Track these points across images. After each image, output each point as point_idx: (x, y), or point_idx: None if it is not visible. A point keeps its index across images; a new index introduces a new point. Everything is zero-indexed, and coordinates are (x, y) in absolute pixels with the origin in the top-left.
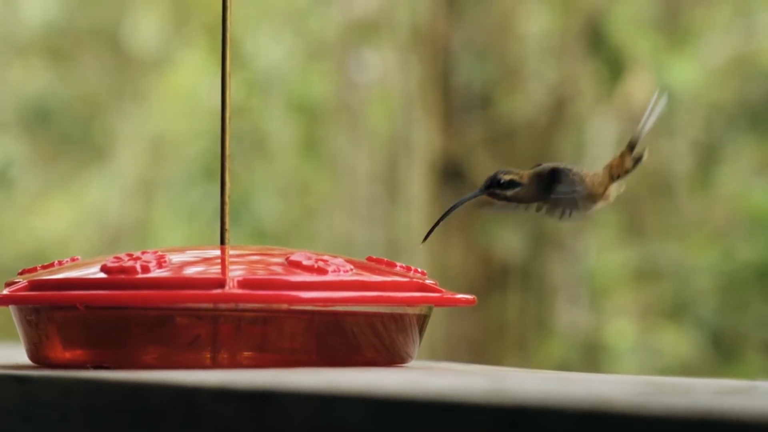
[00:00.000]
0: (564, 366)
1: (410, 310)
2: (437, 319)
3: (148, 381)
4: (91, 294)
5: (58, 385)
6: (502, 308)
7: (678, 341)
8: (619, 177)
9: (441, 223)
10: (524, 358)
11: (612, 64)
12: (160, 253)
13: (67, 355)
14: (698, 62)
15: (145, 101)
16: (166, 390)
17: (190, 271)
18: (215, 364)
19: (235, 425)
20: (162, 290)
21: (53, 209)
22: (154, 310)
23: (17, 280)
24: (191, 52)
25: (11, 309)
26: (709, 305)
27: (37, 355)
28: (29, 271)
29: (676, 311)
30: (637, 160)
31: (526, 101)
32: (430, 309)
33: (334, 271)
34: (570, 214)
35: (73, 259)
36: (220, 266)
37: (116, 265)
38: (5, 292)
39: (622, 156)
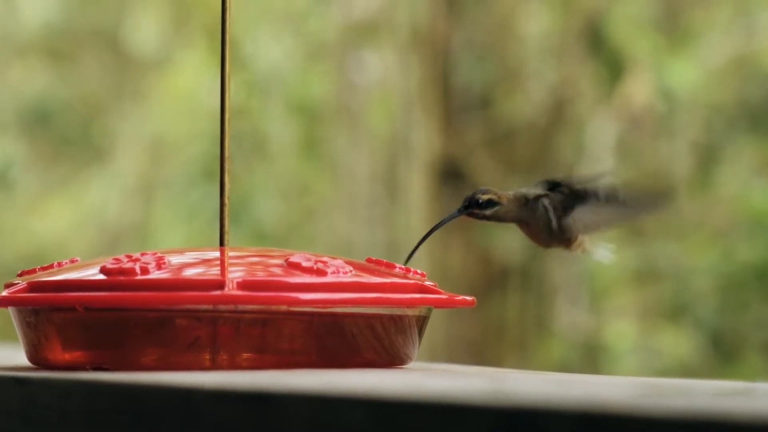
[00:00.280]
0: (564, 367)
1: (410, 312)
2: (437, 320)
3: (147, 382)
4: (90, 296)
5: (58, 386)
6: (502, 309)
7: (678, 342)
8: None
9: (436, 228)
10: (524, 359)
11: (612, 65)
12: (159, 254)
13: (67, 356)
14: (698, 63)
15: (145, 102)
16: (165, 391)
17: (190, 273)
18: (214, 366)
19: (235, 427)
20: (161, 292)
21: (53, 210)
22: (153, 312)
23: (16, 282)
24: (191, 53)
25: (10, 311)
26: (709, 306)
27: (37, 357)
28: (28, 272)
29: (675, 312)
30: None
31: (526, 102)
32: (430, 310)
33: (334, 272)
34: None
35: (72, 261)
36: (219, 268)
37: (115, 266)
38: (4, 293)
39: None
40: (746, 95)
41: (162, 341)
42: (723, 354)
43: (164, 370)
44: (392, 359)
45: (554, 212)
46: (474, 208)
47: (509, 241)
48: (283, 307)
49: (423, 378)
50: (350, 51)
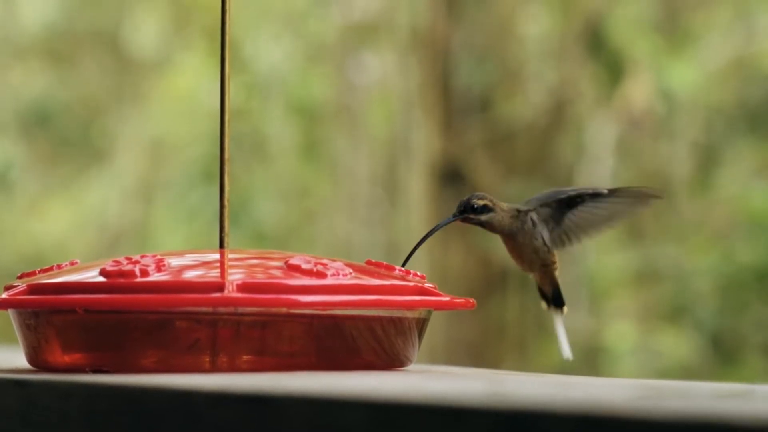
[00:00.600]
0: (564, 368)
1: (409, 314)
2: (437, 322)
3: (147, 385)
4: (90, 298)
5: (58, 388)
6: (502, 311)
7: (678, 343)
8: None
9: (432, 232)
10: (524, 361)
11: (612, 66)
12: (159, 256)
13: (67, 358)
14: (698, 64)
15: (145, 104)
16: (165, 394)
17: (190, 275)
18: (214, 368)
19: (235, 429)
20: (161, 294)
21: (53, 212)
22: (153, 314)
23: (16, 284)
24: (191, 54)
25: (10, 313)
26: (709, 307)
27: (37, 359)
28: (28, 274)
29: (675, 313)
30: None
31: (526, 103)
32: (430, 312)
33: (334, 274)
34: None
35: (72, 263)
36: (219, 270)
37: (115, 268)
38: (4, 296)
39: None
40: (746, 96)
41: (162, 343)
42: (723, 355)
43: (164, 373)
44: (392, 361)
45: (545, 224)
46: (469, 212)
47: None
48: (283, 310)
49: (423, 380)
50: (350, 52)
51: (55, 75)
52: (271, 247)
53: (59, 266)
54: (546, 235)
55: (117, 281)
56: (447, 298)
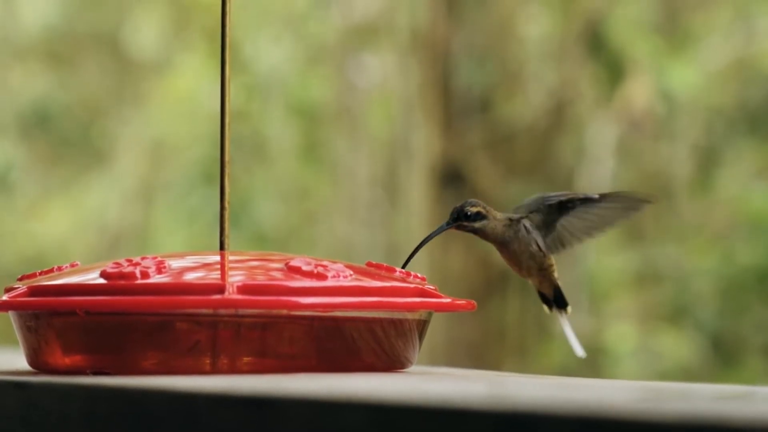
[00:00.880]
0: (564, 370)
1: (410, 316)
2: (437, 324)
3: (147, 387)
4: (90, 300)
5: (58, 390)
6: (502, 312)
7: (678, 345)
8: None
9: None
10: (524, 363)
11: (612, 67)
12: (159, 258)
13: (67, 360)
14: (698, 65)
15: (145, 105)
16: (165, 396)
17: (190, 277)
18: (215, 370)
19: (235, 431)
20: (161, 296)
21: (53, 213)
22: (153, 316)
23: (17, 286)
24: (191, 56)
25: (11, 315)
26: (710, 309)
27: (37, 361)
28: (29, 276)
29: (676, 315)
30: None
31: (526, 104)
32: (430, 314)
33: (334, 276)
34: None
35: (72, 265)
36: (219, 272)
37: (116, 270)
38: (5, 297)
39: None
40: (746, 98)
41: (162, 345)
42: (723, 357)
43: (164, 374)
44: (393, 363)
45: (537, 231)
46: (462, 220)
47: None
48: (284, 311)
49: (423, 382)
50: (350, 54)
51: (56, 76)
52: (271, 249)
53: (60, 268)
54: (540, 241)
55: (117, 283)
56: (448, 300)
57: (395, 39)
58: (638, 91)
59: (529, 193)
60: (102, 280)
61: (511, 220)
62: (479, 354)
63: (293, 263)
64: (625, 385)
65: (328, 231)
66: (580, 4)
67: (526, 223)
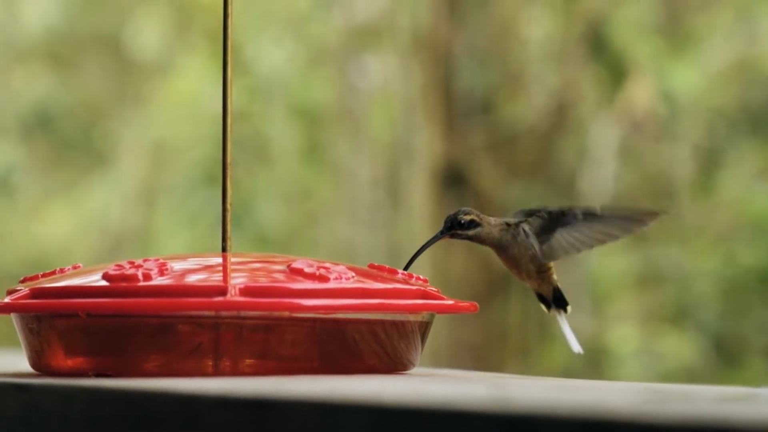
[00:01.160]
0: (567, 371)
1: (412, 318)
2: (439, 325)
3: (149, 389)
4: (92, 302)
5: (60, 393)
6: (504, 314)
7: (680, 346)
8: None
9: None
10: (527, 364)
11: (613, 69)
12: (161, 260)
13: (69, 363)
14: (700, 67)
15: (147, 107)
16: (167, 398)
17: (192, 279)
18: (217, 372)
19: None
20: (164, 298)
21: (55, 215)
22: (155, 318)
23: (19, 288)
24: (193, 57)
25: (13, 317)
26: (712, 310)
27: (39, 363)
28: (31, 278)
29: (678, 316)
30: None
31: (528, 106)
32: (432, 316)
33: (336, 278)
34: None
35: (74, 267)
36: (221, 274)
37: (118, 272)
38: (7, 300)
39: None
40: (748, 99)
41: (164, 347)
42: (726, 358)
43: (167, 377)
44: (395, 365)
45: (536, 237)
46: (456, 228)
47: None
48: (286, 313)
49: (425, 384)
50: (352, 55)
51: (58, 78)
52: (273, 250)
53: (62, 270)
54: (537, 246)
55: (120, 285)
56: (450, 302)
57: (397, 40)
58: (640, 93)
59: (531, 195)
60: (104, 282)
61: (508, 224)
62: (481, 356)
63: (295, 265)
64: (628, 386)
65: (329, 232)
66: (582, 5)
67: (525, 227)
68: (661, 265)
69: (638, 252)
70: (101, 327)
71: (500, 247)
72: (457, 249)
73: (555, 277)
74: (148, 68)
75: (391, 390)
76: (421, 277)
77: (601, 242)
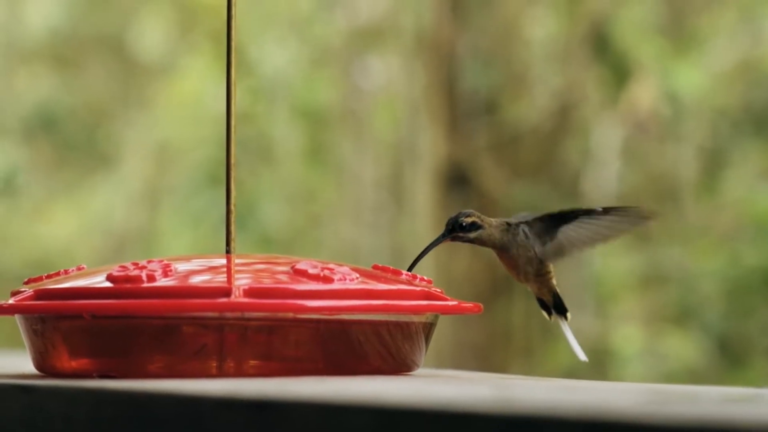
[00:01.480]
0: (570, 372)
1: (416, 319)
2: (443, 326)
3: (153, 390)
4: (96, 303)
5: (64, 394)
6: (508, 315)
7: (684, 347)
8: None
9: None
10: (530, 365)
11: (617, 69)
12: (165, 261)
13: (73, 364)
14: (703, 67)
15: (151, 108)
16: (171, 399)
17: (196, 280)
18: (221, 373)
19: None
20: (168, 299)
21: (58, 217)
22: (159, 319)
23: (23, 290)
24: (196, 58)
25: (17, 318)
26: (716, 310)
27: (43, 365)
28: (35, 280)
29: (682, 317)
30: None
31: (532, 107)
32: (437, 317)
33: (340, 279)
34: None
35: (79, 268)
36: (225, 275)
37: (122, 274)
38: (11, 301)
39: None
40: (751, 99)
41: (168, 349)
42: (730, 358)
43: (171, 378)
44: (399, 366)
45: (536, 238)
46: (458, 231)
47: None
48: (290, 315)
49: (429, 385)
50: (355, 56)
51: (61, 79)
52: (276, 251)
53: (66, 271)
54: (538, 248)
55: (124, 286)
56: (454, 303)
57: (400, 41)
58: (643, 93)
59: (535, 195)
60: (108, 284)
61: (509, 224)
62: (485, 356)
63: (299, 266)
64: (632, 387)
65: (333, 233)
66: (585, 6)
67: (525, 228)
68: (664, 265)
69: (642, 252)
70: (105, 328)
71: (501, 248)
72: (461, 250)
73: (554, 282)
74: (151, 69)
75: (396, 391)
76: (425, 278)
77: (602, 241)
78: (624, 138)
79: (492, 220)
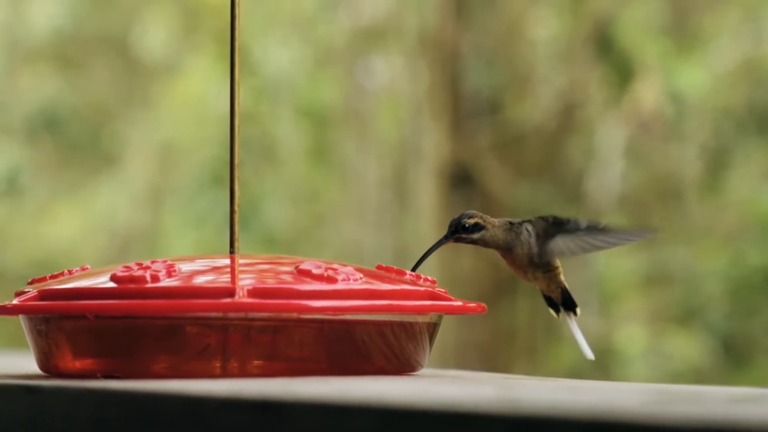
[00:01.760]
0: (574, 372)
1: (420, 319)
2: (447, 326)
3: (157, 390)
4: (100, 304)
5: (68, 394)
6: (512, 315)
7: (688, 346)
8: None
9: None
10: (534, 364)
11: (621, 69)
12: (169, 262)
13: (77, 364)
14: (707, 67)
15: (154, 108)
16: (175, 399)
17: (200, 281)
18: (225, 373)
19: None
20: (172, 299)
21: (62, 216)
22: (163, 320)
23: (27, 290)
24: (200, 58)
25: (21, 318)
26: (720, 310)
27: (47, 365)
28: (39, 280)
29: (686, 316)
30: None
31: (535, 106)
32: (441, 317)
33: (344, 279)
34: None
35: (83, 269)
36: (229, 275)
37: (126, 274)
38: (15, 301)
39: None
40: (755, 99)
41: (172, 349)
42: (734, 358)
43: (175, 378)
44: (403, 366)
45: (537, 238)
46: (461, 232)
47: None
48: (294, 315)
49: (433, 385)
50: (359, 56)
51: (65, 79)
52: (280, 251)
53: (70, 272)
54: (536, 247)
55: (128, 287)
56: (458, 303)
57: (404, 41)
58: (647, 93)
59: (538, 195)
60: (112, 284)
61: (511, 223)
62: (489, 356)
63: (303, 266)
64: (636, 387)
65: (337, 233)
66: (589, 5)
67: (528, 226)
68: (668, 265)
69: (646, 252)
70: (109, 328)
71: (505, 248)
72: (465, 250)
73: (562, 277)
74: (155, 69)
75: (400, 391)
76: (429, 278)
77: (599, 249)
78: (627, 138)
79: (495, 220)
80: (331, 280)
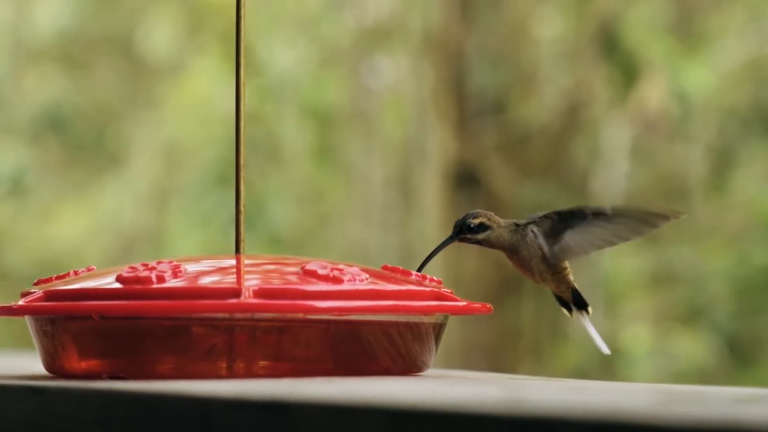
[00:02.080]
0: (579, 371)
1: (426, 319)
2: (453, 326)
3: (163, 391)
4: (106, 304)
5: (74, 395)
6: (518, 315)
7: (694, 346)
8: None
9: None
10: (540, 365)
11: (626, 68)
12: (175, 262)
13: (83, 365)
14: (712, 67)
15: (159, 108)
16: (181, 400)
17: (206, 281)
18: (231, 374)
19: None
20: (177, 300)
21: (67, 217)
22: (169, 320)
23: (33, 290)
24: (205, 59)
25: (27, 319)
26: (725, 310)
27: (53, 366)
28: (45, 281)
29: (691, 316)
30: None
31: (540, 106)
32: (446, 317)
33: (350, 280)
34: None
35: (88, 269)
36: (235, 276)
37: (132, 275)
38: (21, 302)
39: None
40: (760, 98)
41: (178, 350)
42: (739, 358)
43: (180, 379)
44: (409, 367)
45: (545, 237)
46: (466, 232)
47: None
48: (300, 315)
49: (439, 386)
50: (364, 56)
51: (70, 80)
52: (285, 252)
53: (76, 273)
54: (546, 248)
55: (133, 287)
56: (464, 303)
57: (408, 41)
58: (652, 93)
59: (543, 195)
60: (118, 285)
61: (517, 225)
62: (495, 356)
63: (309, 267)
64: (642, 388)
65: (342, 234)
66: (594, 5)
67: (534, 228)
68: (674, 265)
69: (651, 252)
70: (115, 329)
71: (511, 250)
72: (470, 250)
73: (571, 277)
74: (160, 69)
75: (405, 392)
76: (435, 278)
77: (611, 243)
78: (633, 137)
79: (501, 220)
80: (337, 280)
